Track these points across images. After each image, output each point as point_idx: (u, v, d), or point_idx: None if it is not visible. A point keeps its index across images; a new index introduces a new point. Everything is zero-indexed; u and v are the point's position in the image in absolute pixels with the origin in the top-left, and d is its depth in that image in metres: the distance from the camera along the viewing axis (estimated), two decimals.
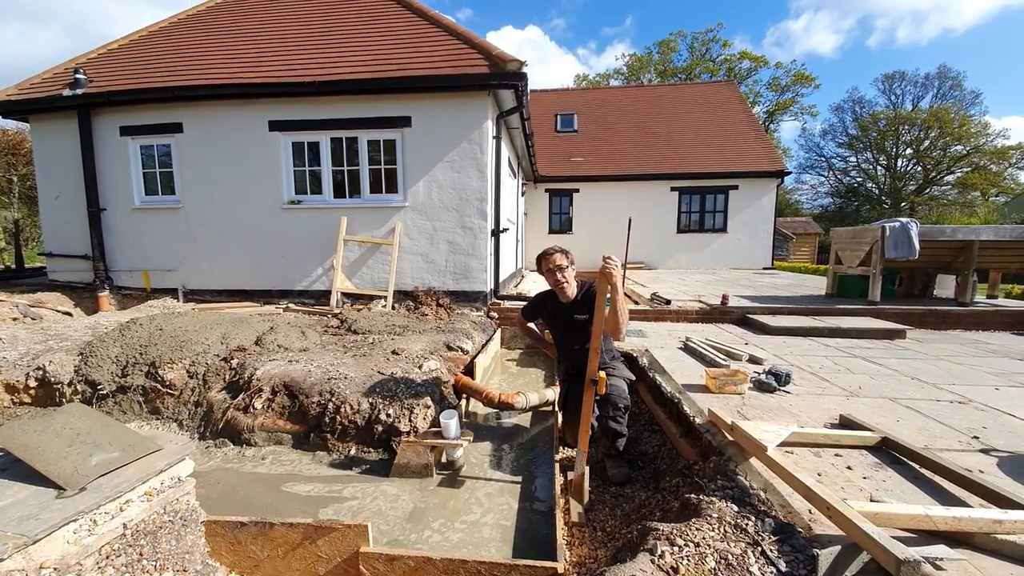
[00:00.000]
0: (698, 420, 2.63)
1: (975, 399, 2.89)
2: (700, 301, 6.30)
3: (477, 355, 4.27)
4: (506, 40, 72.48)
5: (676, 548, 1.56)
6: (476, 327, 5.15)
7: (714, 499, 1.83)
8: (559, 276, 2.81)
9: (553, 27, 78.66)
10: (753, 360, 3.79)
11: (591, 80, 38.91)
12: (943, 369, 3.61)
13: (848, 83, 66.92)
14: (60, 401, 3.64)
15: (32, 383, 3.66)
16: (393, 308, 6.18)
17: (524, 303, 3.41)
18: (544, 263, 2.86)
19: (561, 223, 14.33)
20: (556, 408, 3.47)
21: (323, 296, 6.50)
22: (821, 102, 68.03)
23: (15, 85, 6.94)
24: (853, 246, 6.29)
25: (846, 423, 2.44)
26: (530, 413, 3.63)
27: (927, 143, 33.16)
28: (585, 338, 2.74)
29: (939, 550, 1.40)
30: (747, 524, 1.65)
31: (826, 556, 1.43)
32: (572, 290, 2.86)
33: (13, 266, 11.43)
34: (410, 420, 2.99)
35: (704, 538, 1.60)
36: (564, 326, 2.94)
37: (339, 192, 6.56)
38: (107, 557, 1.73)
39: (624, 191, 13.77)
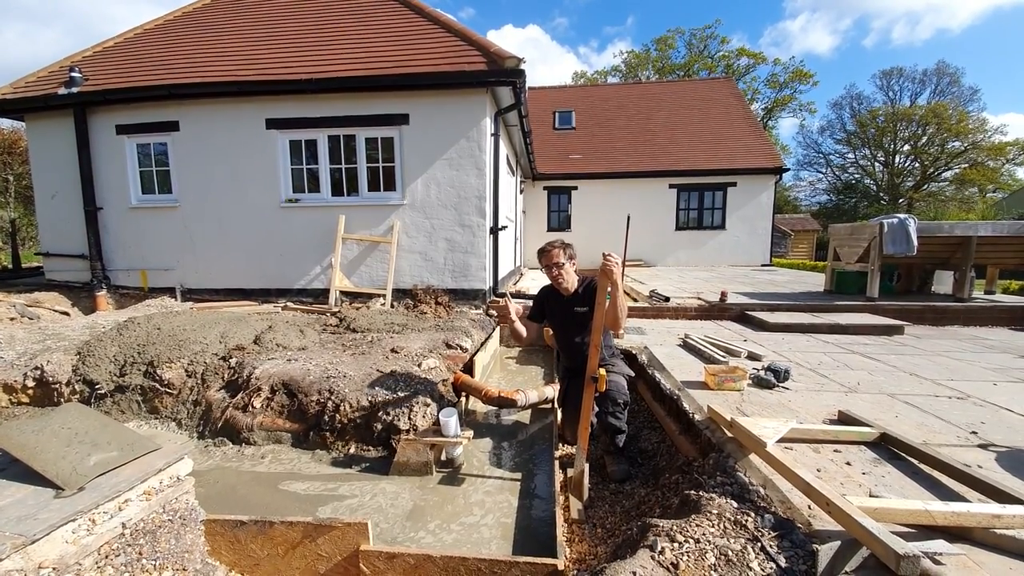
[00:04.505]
0: (697, 417, 2.63)
1: (973, 395, 2.90)
2: (699, 298, 6.31)
3: (476, 353, 4.27)
4: (507, 39, 72.52)
5: (676, 544, 1.56)
6: (475, 325, 5.15)
7: (714, 495, 1.83)
8: (555, 272, 2.87)
9: (555, 26, 78.75)
10: (752, 357, 3.79)
11: (589, 77, 38.83)
12: (941, 365, 3.62)
13: (845, 83, 67.26)
14: (58, 401, 3.63)
15: (30, 383, 3.64)
16: (392, 306, 6.17)
17: (521, 300, 3.38)
18: (543, 259, 2.91)
19: (560, 221, 14.31)
20: (555, 405, 3.47)
21: (322, 295, 6.49)
22: (819, 99, 68.38)
23: (10, 84, 6.89)
24: (851, 242, 6.30)
25: (845, 419, 2.44)
26: (529, 410, 3.63)
27: (925, 139, 33.18)
28: (585, 331, 2.76)
29: (938, 545, 1.41)
30: (747, 520, 1.65)
31: (826, 551, 1.43)
32: (570, 284, 2.90)
33: (10, 266, 11.37)
34: (409, 418, 2.98)
35: (704, 534, 1.60)
36: (564, 318, 2.97)
37: (337, 190, 6.53)
38: (106, 557, 1.73)
39: (622, 188, 13.76)
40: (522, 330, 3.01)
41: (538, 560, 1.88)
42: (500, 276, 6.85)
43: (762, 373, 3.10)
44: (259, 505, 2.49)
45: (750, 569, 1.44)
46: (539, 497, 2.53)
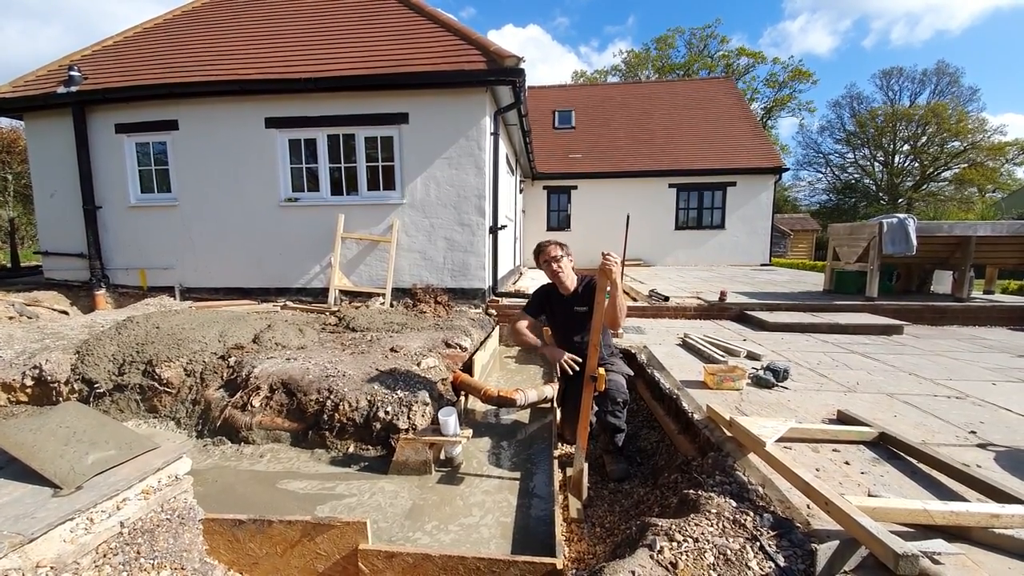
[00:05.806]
0: (696, 416, 2.63)
1: (972, 394, 2.90)
2: (698, 298, 6.31)
3: (476, 352, 4.27)
4: (507, 38, 72.41)
5: (675, 544, 1.56)
6: (475, 324, 5.14)
7: (712, 495, 1.83)
8: (555, 267, 2.87)
9: (556, 25, 78.81)
10: (751, 356, 3.79)
11: (589, 77, 38.79)
12: (940, 364, 3.62)
13: (844, 84, 67.32)
14: (57, 400, 3.62)
15: (29, 382, 3.64)
16: (391, 306, 6.17)
17: (522, 299, 3.38)
18: (540, 256, 2.92)
19: (559, 220, 14.31)
20: (555, 404, 3.47)
21: (321, 294, 6.48)
22: (819, 100, 68.32)
23: (9, 83, 6.88)
24: (851, 242, 6.30)
25: (844, 419, 2.44)
26: (529, 410, 3.63)
27: (924, 139, 33.20)
28: (585, 330, 2.76)
29: (937, 544, 1.41)
30: (746, 519, 1.65)
31: (824, 551, 1.43)
32: (570, 280, 2.91)
33: (9, 265, 11.36)
34: (409, 417, 2.98)
35: (703, 533, 1.60)
36: (565, 318, 2.98)
37: (336, 189, 6.53)
38: (104, 556, 1.72)
39: (622, 188, 13.76)
40: (535, 341, 3.04)
41: (537, 559, 1.87)
42: (499, 275, 6.85)
43: (761, 372, 3.10)
44: (258, 504, 2.49)
45: (749, 568, 1.44)
46: (538, 496, 2.53)
